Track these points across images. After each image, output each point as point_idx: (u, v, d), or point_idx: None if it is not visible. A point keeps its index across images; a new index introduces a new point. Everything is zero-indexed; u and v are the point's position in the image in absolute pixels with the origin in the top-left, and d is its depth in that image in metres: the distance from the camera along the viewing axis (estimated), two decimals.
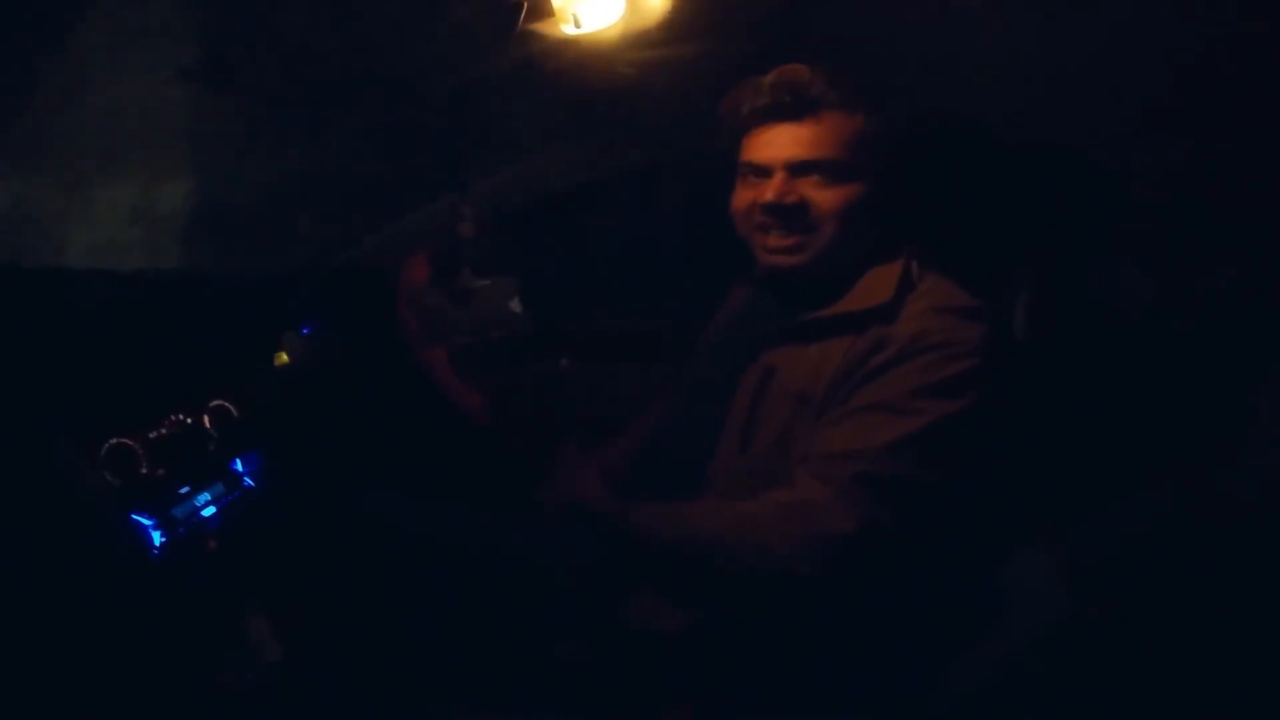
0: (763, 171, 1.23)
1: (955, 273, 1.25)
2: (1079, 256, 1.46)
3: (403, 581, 1.44)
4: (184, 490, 1.34)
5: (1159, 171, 1.35)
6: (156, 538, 1.27)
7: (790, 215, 1.21)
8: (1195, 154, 1.30)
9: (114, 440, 1.25)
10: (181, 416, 1.36)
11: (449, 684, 1.30)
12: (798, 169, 1.21)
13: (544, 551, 1.36)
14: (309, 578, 1.44)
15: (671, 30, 1.30)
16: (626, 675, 1.24)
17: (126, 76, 1.23)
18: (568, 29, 1.25)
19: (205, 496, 1.37)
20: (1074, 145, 1.39)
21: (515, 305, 1.48)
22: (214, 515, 1.37)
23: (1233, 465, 1.24)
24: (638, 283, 1.98)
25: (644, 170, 1.83)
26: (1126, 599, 1.21)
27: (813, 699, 1.19)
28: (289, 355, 1.69)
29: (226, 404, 1.44)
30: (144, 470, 1.28)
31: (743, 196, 1.26)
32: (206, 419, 1.41)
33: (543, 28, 1.27)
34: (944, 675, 1.22)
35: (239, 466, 1.46)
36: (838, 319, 1.20)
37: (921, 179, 1.30)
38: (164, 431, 1.32)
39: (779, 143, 1.22)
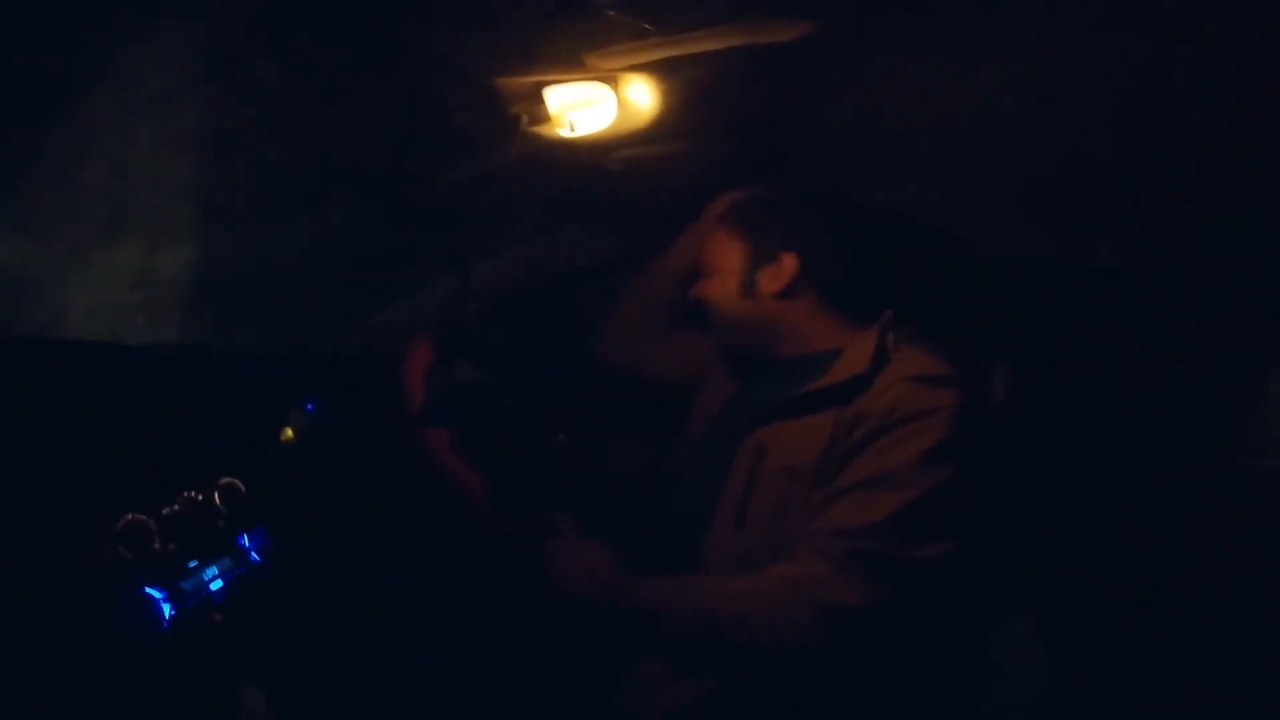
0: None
1: (935, 340, 1.30)
2: (1052, 320, 1.51)
3: (399, 660, 1.46)
4: (193, 564, 1.38)
5: (1128, 238, 1.40)
6: (167, 610, 1.31)
7: (699, 306, 1.46)
8: (1163, 221, 1.35)
9: (129, 516, 1.31)
10: (193, 493, 1.41)
11: None
12: (702, 271, 1.46)
13: (544, 632, 1.38)
14: (308, 652, 1.47)
15: (657, 131, 1.38)
16: None
17: (132, 145, 1.24)
18: (564, 132, 1.34)
19: (213, 570, 1.41)
20: (1042, 216, 1.45)
21: (506, 400, 1.54)
22: (221, 589, 1.41)
23: (1212, 523, 1.27)
24: None
25: (633, 255, 1.92)
26: (1111, 662, 1.23)
27: None
28: (294, 432, 1.75)
29: (236, 481, 1.50)
30: (156, 545, 1.33)
31: None
32: (216, 495, 1.47)
33: (540, 131, 1.36)
34: None
35: (245, 542, 1.51)
36: (820, 393, 1.25)
37: (820, 254, 1.38)
38: (176, 508, 1.38)
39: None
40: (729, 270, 1.39)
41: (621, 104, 1.30)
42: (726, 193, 1.47)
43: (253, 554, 1.50)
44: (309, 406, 1.76)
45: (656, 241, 1.63)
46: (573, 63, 1.21)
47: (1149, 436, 1.37)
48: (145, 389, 1.47)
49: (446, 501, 1.84)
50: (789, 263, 1.34)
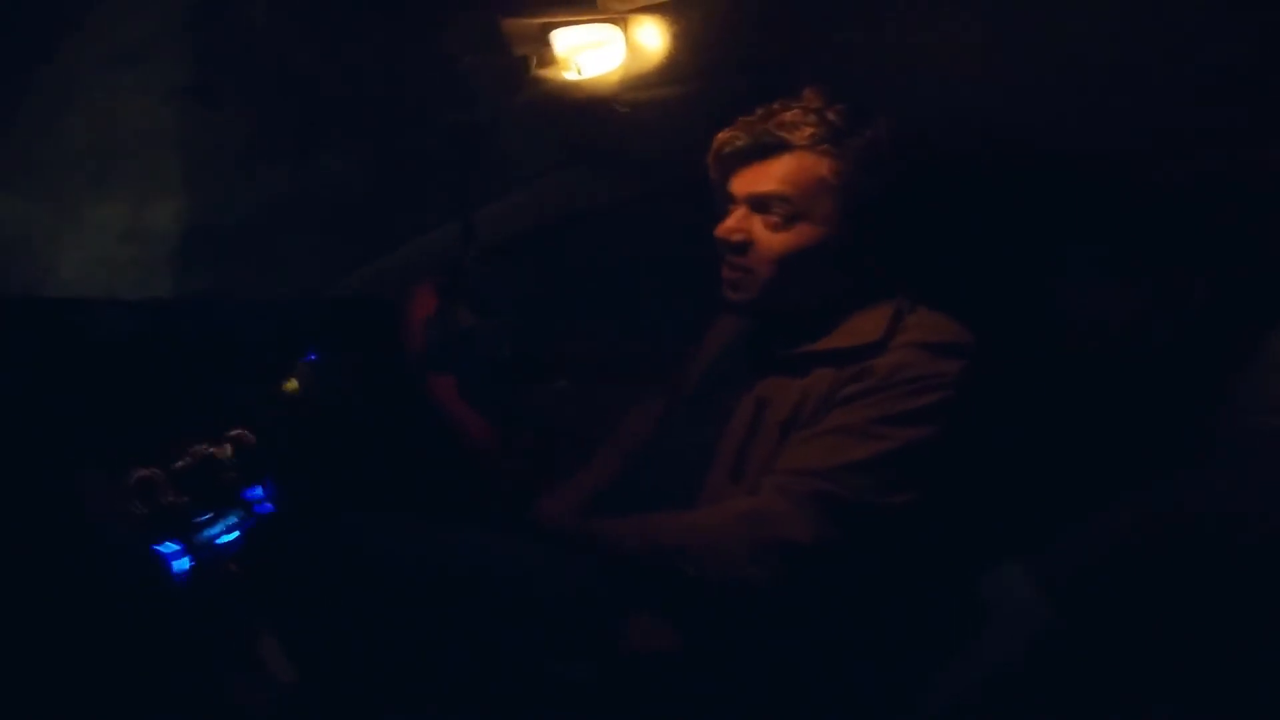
0: (734, 202, 1.26)
1: (950, 308, 1.27)
2: (1052, 274, 1.50)
3: (409, 605, 1.48)
4: (205, 518, 1.38)
5: (1135, 192, 1.38)
6: (182, 564, 1.31)
7: (734, 251, 1.25)
8: (1174, 176, 1.33)
9: (140, 471, 1.30)
10: (203, 446, 1.41)
11: (458, 705, 1.32)
12: (756, 204, 1.23)
13: (547, 573, 1.40)
14: (322, 601, 1.48)
15: (667, 73, 1.34)
16: (626, 697, 1.26)
17: (118, 96, 1.22)
18: (570, 75, 1.31)
19: (225, 523, 1.41)
20: (1051, 166, 1.42)
21: (505, 349, 1.52)
22: (234, 541, 1.41)
23: (1204, 477, 1.28)
24: (633, 306, 2.04)
25: (639, 199, 1.89)
26: (1105, 610, 1.23)
27: (799, 717, 1.22)
28: (298, 383, 1.73)
29: (244, 432, 1.49)
30: (168, 500, 1.33)
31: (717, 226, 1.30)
32: (225, 447, 1.46)
33: (546, 73, 1.33)
34: (928, 689, 1.25)
35: (256, 493, 1.51)
36: (827, 354, 1.23)
37: (902, 226, 1.30)
38: (187, 461, 1.37)
39: (747, 178, 1.24)
40: (827, 231, 1.23)
41: (630, 46, 1.27)
42: (801, 111, 1.23)
43: (264, 504, 1.50)
44: (311, 356, 1.75)
45: (662, 185, 1.61)
46: (582, 3, 1.17)
47: (1146, 390, 1.38)
48: (147, 344, 1.46)
49: (451, 447, 1.84)
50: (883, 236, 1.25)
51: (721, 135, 1.26)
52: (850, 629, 1.22)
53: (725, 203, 1.29)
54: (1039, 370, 1.40)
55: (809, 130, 1.20)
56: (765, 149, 1.22)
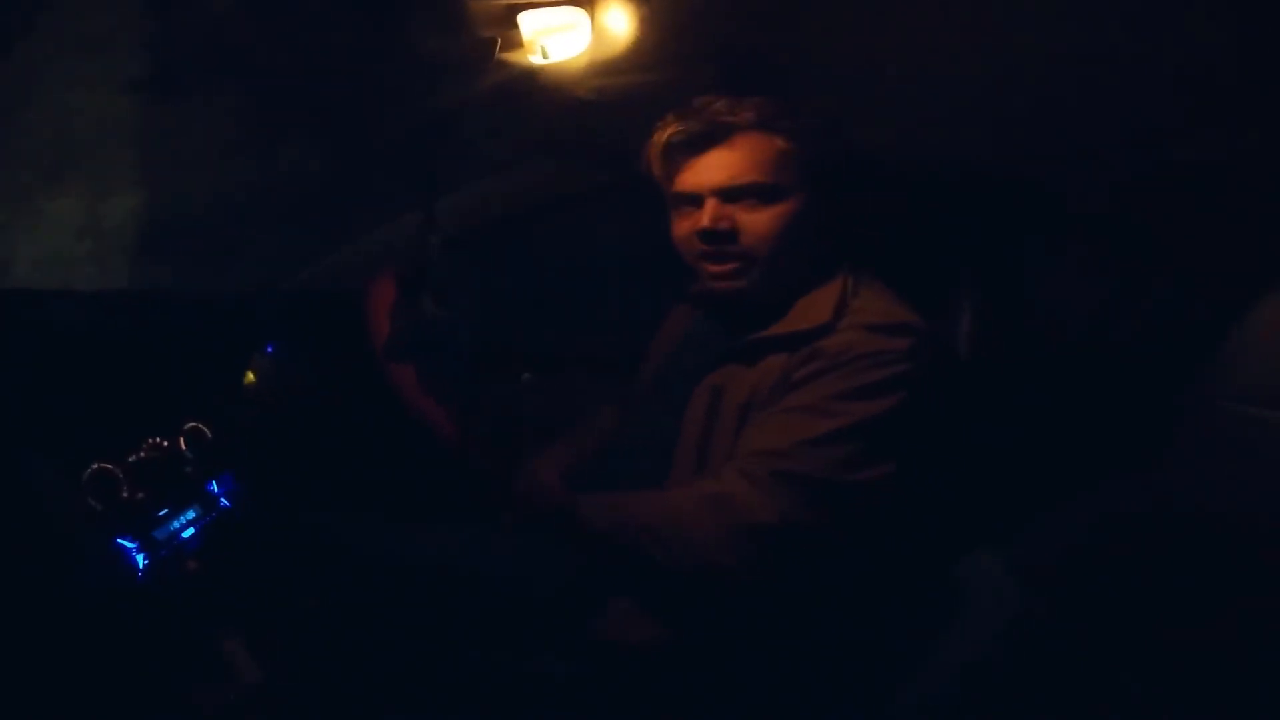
0: (694, 200, 1.26)
1: (899, 287, 1.28)
2: (1019, 268, 1.50)
3: (377, 601, 1.45)
4: (163, 513, 1.35)
5: (1098, 186, 1.40)
6: (140, 560, 1.28)
7: (724, 241, 1.24)
8: (1135, 170, 1.34)
9: (96, 465, 1.26)
10: (159, 440, 1.37)
11: (427, 704, 1.32)
12: (727, 195, 1.24)
13: (518, 566, 1.37)
14: (285, 598, 1.45)
15: (632, 60, 1.33)
16: (605, 690, 1.26)
17: (74, 87, 1.18)
18: (535, 59, 1.29)
19: (184, 518, 1.38)
20: (1013, 161, 1.43)
21: (466, 339, 1.51)
22: (193, 537, 1.38)
23: (1170, 467, 1.31)
24: (598, 297, 2.03)
25: (603, 189, 1.88)
26: (1081, 598, 1.25)
27: (782, 705, 1.22)
28: (256, 375, 1.70)
29: (201, 426, 1.46)
30: (125, 494, 1.29)
31: (681, 227, 1.29)
32: (182, 441, 1.42)
33: (512, 57, 1.31)
34: (905, 678, 1.26)
35: (215, 488, 1.48)
36: (778, 339, 1.24)
37: (856, 197, 1.32)
38: (143, 455, 1.34)
39: (706, 169, 1.24)
40: (801, 203, 1.25)
41: (597, 30, 1.26)
42: (732, 100, 1.26)
43: (223, 500, 1.48)
44: (269, 348, 1.71)
45: (628, 175, 1.60)
46: None
47: (1116, 379, 1.39)
48: (103, 336, 1.42)
49: (414, 439, 1.82)
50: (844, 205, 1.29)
51: (664, 128, 1.28)
52: (826, 618, 1.22)
53: (680, 202, 1.29)
54: (1009, 362, 1.42)
55: (748, 113, 1.23)
56: (712, 135, 1.24)
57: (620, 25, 1.25)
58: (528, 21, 1.23)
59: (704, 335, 1.40)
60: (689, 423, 1.27)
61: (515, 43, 1.27)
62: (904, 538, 1.22)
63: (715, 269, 1.27)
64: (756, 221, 1.23)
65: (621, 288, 2.00)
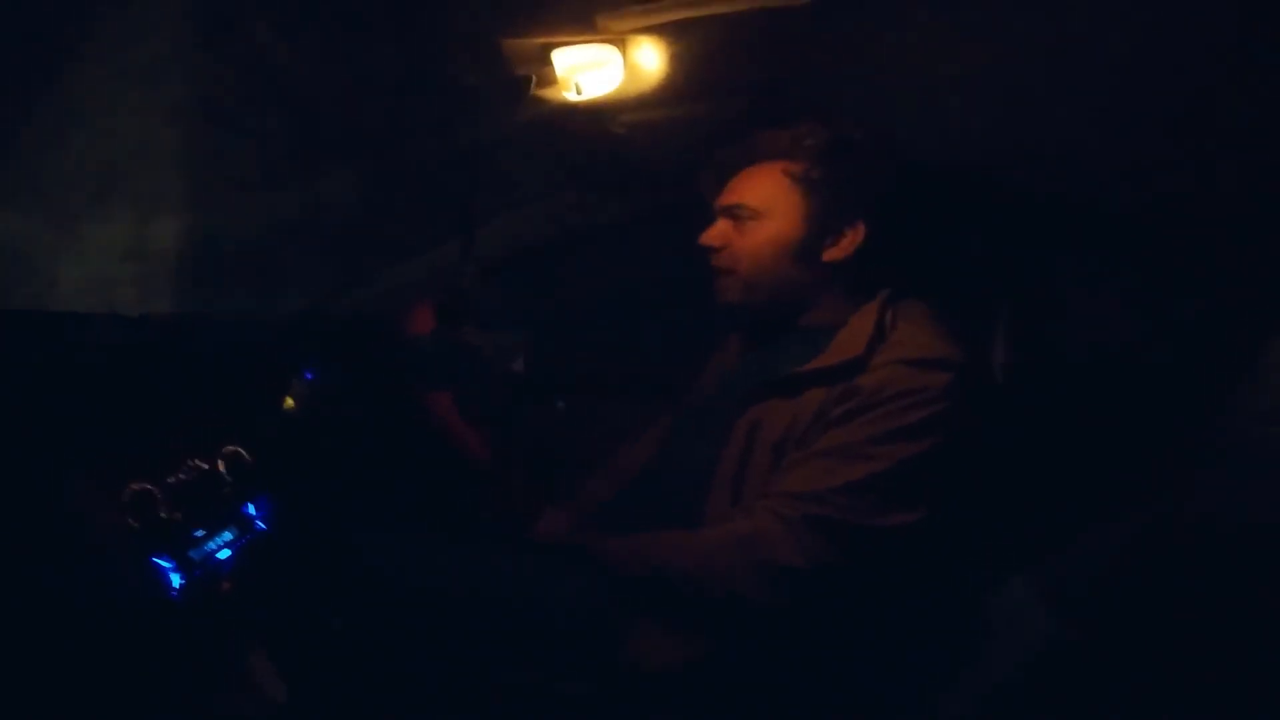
0: (714, 217, 1.40)
1: (939, 310, 1.29)
2: (1055, 291, 1.49)
3: (405, 623, 1.47)
4: (200, 534, 1.37)
5: (1132, 206, 1.39)
6: (175, 579, 1.31)
7: (712, 253, 1.37)
8: (1168, 191, 1.33)
9: (136, 485, 1.29)
10: (198, 462, 1.40)
11: None
12: (724, 212, 1.38)
13: (547, 590, 1.40)
14: (314, 618, 1.47)
15: (664, 94, 1.36)
16: (630, 713, 1.26)
17: (119, 114, 1.21)
18: (570, 95, 1.32)
19: (220, 539, 1.40)
20: (1049, 182, 1.44)
21: (518, 364, 1.54)
22: (229, 558, 1.41)
23: (1204, 488, 1.28)
24: (632, 327, 2.04)
25: (635, 220, 1.90)
26: (1109, 622, 1.22)
27: None
28: (295, 401, 1.73)
29: (240, 449, 1.49)
30: (163, 514, 1.32)
31: None
32: (221, 464, 1.46)
33: (546, 94, 1.34)
34: (932, 704, 1.24)
35: (251, 510, 1.50)
36: (816, 374, 1.24)
37: (892, 222, 1.34)
38: (182, 476, 1.37)
39: (724, 191, 1.39)
40: (784, 226, 1.32)
41: (629, 66, 1.28)
42: (773, 130, 1.37)
43: (259, 522, 1.50)
44: (309, 375, 1.75)
45: (660, 206, 1.62)
46: (582, 24, 1.18)
47: (1149, 403, 1.37)
48: (145, 359, 1.46)
49: (450, 465, 1.84)
50: (857, 234, 1.31)
51: (714, 157, 1.42)
52: (853, 643, 1.21)
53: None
54: (1039, 385, 1.40)
55: (781, 144, 1.35)
56: (738, 162, 1.38)
57: (651, 62, 1.27)
58: (561, 59, 1.26)
59: (749, 368, 1.41)
60: (727, 456, 1.28)
61: (549, 79, 1.30)
62: (932, 565, 1.21)
63: (714, 281, 1.39)
64: (739, 239, 1.35)
65: (653, 317, 2.01)
